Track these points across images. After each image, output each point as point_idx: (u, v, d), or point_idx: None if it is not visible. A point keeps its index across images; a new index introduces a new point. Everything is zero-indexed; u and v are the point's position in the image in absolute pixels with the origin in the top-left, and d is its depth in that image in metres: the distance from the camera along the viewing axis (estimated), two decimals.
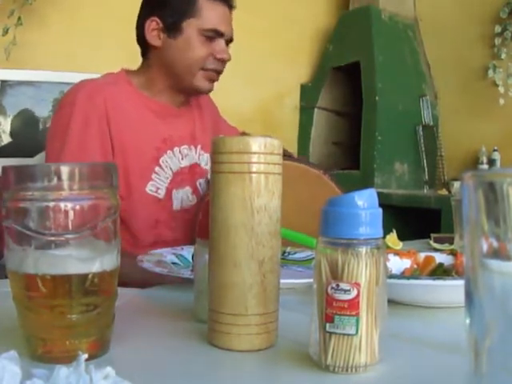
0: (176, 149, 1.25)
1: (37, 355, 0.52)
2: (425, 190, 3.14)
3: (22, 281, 0.52)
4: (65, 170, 0.50)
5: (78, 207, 0.50)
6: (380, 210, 0.50)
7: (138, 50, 1.30)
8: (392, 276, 0.75)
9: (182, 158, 1.26)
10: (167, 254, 0.93)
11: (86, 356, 0.43)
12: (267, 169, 0.55)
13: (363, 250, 0.48)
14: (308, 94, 3.54)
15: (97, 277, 0.52)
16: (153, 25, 1.22)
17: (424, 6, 3.35)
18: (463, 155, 3.13)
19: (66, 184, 0.50)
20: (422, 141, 3.20)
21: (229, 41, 1.25)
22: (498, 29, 2.95)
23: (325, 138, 3.53)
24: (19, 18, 2.49)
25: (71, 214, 0.50)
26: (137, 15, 1.27)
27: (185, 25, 1.20)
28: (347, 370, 0.49)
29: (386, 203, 2.36)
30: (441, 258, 0.88)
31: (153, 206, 1.20)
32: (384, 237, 0.51)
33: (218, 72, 1.25)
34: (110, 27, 2.72)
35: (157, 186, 1.20)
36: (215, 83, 1.28)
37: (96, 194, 0.52)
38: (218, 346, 0.56)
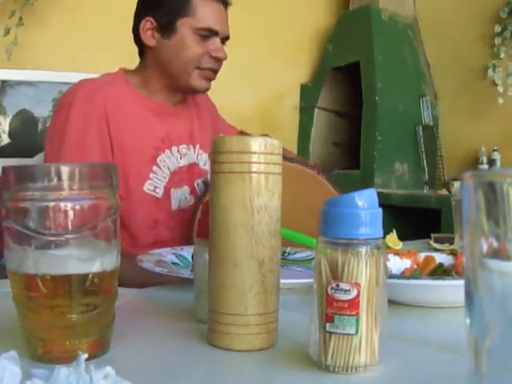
0: (174, 148, 1.25)
1: (37, 355, 0.52)
2: (425, 190, 3.14)
3: (22, 281, 0.52)
4: (65, 170, 0.50)
5: (77, 207, 0.50)
6: (380, 210, 0.50)
7: (137, 50, 1.30)
8: (392, 276, 0.75)
9: (181, 158, 1.26)
10: (167, 254, 0.93)
11: (85, 356, 0.43)
12: (267, 169, 0.55)
13: (363, 249, 0.48)
14: (308, 94, 3.54)
15: (97, 277, 0.52)
16: (147, 25, 1.21)
17: (424, 5, 3.35)
18: (463, 155, 3.13)
19: (66, 184, 0.50)
20: (422, 141, 3.20)
21: (225, 39, 1.25)
22: (497, 28, 2.95)
23: (325, 138, 3.53)
24: (20, 19, 2.49)
25: (71, 214, 0.50)
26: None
27: (179, 24, 1.20)
28: (347, 370, 0.49)
29: (386, 203, 2.36)
30: (441, 258, 0.88)
31: (151, 206, 1.20)
32: (384, 237, 0.51)
33: (215, 71, 1.24)
34: (110, 27, 2.72)
35: (154, 184, 1.20)
36: (213, 82, 1.27)
37: (96, 194, 0.52)
38: (218, 346, 0.56)
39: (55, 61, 2.65)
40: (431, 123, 3.24)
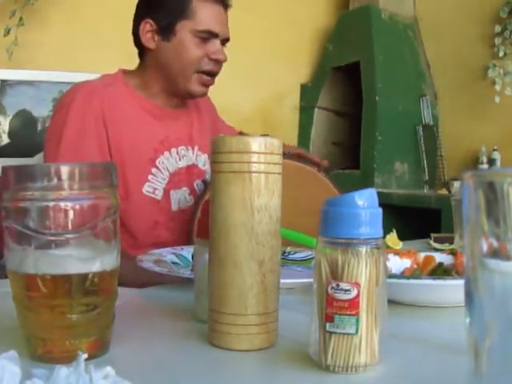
0: (173, 149, 1.24)
1: (37, 355, 0.52)
2: (425, 190, 3.14)
3: (22, 281, 0.52)
4: (65, 169, 0.50)
5: (77, 207, 0.50)
6: (380, 210, 0.50)
7: (137, 50, 1.30)
8: (392, 276, 0.75)
9: (180, 159, 1.25)
10: (167, 254, 0.93)
11: (85, 356, 0.43)
12: (267, 168, 0.55)
13: (363, 249, 0.48)
14: (308, 94, 3.54)
15: (97, 277, 0.52)
16: (147, 27, 1.21)
17: (424, 5, 3.35)
18: (463, 155, 3.13)
19: (65, 184, 0.50)
20: (421, 141, 3.20)
21: (225, 41, 1.24)
22: (497, 28, 2.95)
23: (325, 138, 3.53)
24: (21, 19, 2.49)
25: (71, 214, 0.50)
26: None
27: (178, 27, 1.19)
28: (347, 370, 0.49)
29: (386, 203, 2.35)
30: (441, 258, 0.88)
31: (151, 208, 1.20)
32: (384, 236, 0.51)
33: (214, 73, 1.24)
34: (110, 27, 2.72)
35: (154, 186, 1.20)
36: (215, 82, 1.27)
37: (96, 193, 0.52)
38: (218, 345, 0.56)
39: (55, 61, 2.65)
40: (431, 123, 3.24)
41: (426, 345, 0.59)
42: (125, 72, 1.27)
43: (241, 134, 1.48)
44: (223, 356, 0.54)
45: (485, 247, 0.30)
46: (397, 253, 0.89)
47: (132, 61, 1.29)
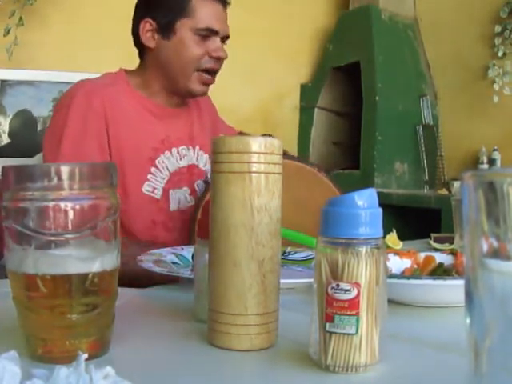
0: (174, 149, 1.24)
1: (37, 355, 0.52)
2: (425, 190, 3.14)
3: (22, 281, 0.52)
4: (65, 169, 0.50)
5: (77, 207, 0.50)
6: (380, 210, 0.50)
7: (137, 50, 1.30)
8: (392, 276, 0.75)
9: (180, 159, 1.25)
10: (167, 254, 0.93)
11: (85, 356, 0.43)
12: (267, 169, 0.55)
13: (363, 249, 0.48)
14: (308, 94, 3.54)
15: (97, 277, 0.52)
16: (147, 26, 1.21)
17: (424, 5, 3.35)
18: (463, 155, 3.13)
19: (65, 184, 0.50)
20: (422, 141, 3.20)
21: (225, 38, 1.24)
22: (497, 28, 2.95)
23: (325, 138, 3.53)
24: (20, 19, 2.49)
25: (71, 214, 0.50)
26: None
27: (178, 25, 1.19)
28: (347, 370, 0.49)
29: (386, 203, 2.35)
30: (441, 258, 0.88)
31: (150, 207, 1.20)
32: (384, 236, 0.51)
33: (215, 71, 1.24)
34: (110, 27, 2.72)
35: (153, 186, 1.20)
36: (213, 84, 1.27)
37: (96, 193, 0.52)
38: (218, 345, 0.56)
39: (55, 61, 2.65)
40: (431, 123, 3.24)
41: (426, 345, 0.59)
42: (126, 71, 1.27)
43: (241, 134, 1.48)
44: (223, 356, 0.54)
45: (485, 247, 0.30)
46: (397, 253, 0.89)
47: (132, 61, 1.29)
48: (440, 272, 0.85)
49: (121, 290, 0.57)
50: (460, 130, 3.16)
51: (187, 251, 0.94)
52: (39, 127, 2.54)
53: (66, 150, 1.12)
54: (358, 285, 0.48)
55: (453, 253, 0.90)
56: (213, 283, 0.56)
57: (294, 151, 3.28)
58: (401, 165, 3.17)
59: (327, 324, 0.48)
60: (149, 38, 1.22)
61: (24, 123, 2.52)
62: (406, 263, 0.87)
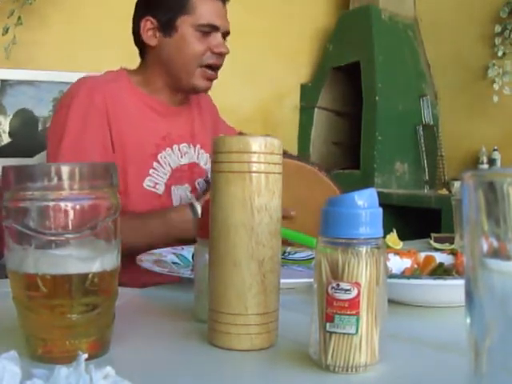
0: (175, 146, 1.25)
1: (37, 355, 0.52)
2: (425, 190, 3.14)
3: (22, 281, 0.52)
4: (65, 169, 0.50)
5: (78, 207, 0.50)
6: (380, 210, 0.50)
7: (137, 50, 1.30)
8: (392, 276, 0.75)
9: (182, 156, 1.26)
10: (167, 254, 0.93)
11: (85, 356, 0.43)
12: (267, 168, 0.55)
13: (363, 249, 0.48)
14: (308, 94, 3.54)
15: (97, 276, 0.52)
16: (148, 24, 1.22)
17: (424, 5, 3.35)
18: (463, 155, 3.13)
19: (66, 184, 0.50)
20: (422, 141, 3.20)
21: (225, 34, 1.25)
22: (497, 28, 2.95)
23: (325, 138, 3.53)
24: (19, 18, 2.49)
25: (71, 214, 0.50)
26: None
27: (179, 22, 1.20)
28: (347, 370, 0.49)
29: (386, 203, 2.35)
30: (441, 258, 0.88)
31: (152, 202, 1.20)
32: (384, 236, 0.51)
33: (217, 67, 1.25)
34: (110, 27, 2.72)
35: (155, 181, 1.21)
36: (214, 82, 1.27)
37: (96, 193, 0.52)
38: (218, 345, 0.56)
39: (55, 61, 2.65)
40: (431, 123, 3.24)
41: (426, 345, 0.59)
42: (127, 70, 1.28)
43: (241, 134, 1.48)
44: (223, 356, 0.54)
45: (485, 247, 0.30)
46: (397, 253, 0.89)
47: (132, 60, 1.30)
48: (440, 272, 0.85)
49: (121, 289, 0.57)
50: (460, 129, 3.16)
51: (187, 251, 0.94)
52: (40, 127, 2.54)
53: (67, 144, 1.13)
54: (358, 285, 0.48)
55: (453, 253, 0.90)
56: (213, 283, 0.56)
57: (294, 151, 3.28)
58: (401, 165, 3.17)
59: (327, 324, 0.48)
60: (150, 36, 1.22)
61: (25, 123, 2.52)
62: (406, 263, 0.87)
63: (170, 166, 1.23)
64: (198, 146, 1.31)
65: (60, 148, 1.12)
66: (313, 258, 0.85)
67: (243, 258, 0.54)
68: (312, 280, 0.51)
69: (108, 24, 2.74)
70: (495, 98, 2.91)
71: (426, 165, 3.19)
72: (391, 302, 0.58)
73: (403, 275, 0.81)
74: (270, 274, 0.55)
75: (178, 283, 0.85)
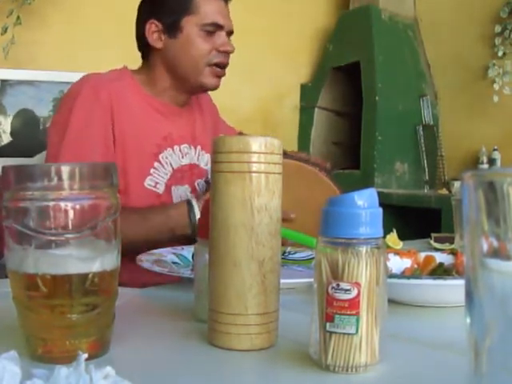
0: (176, 147, 1.26)
1: (37, 355, 0.52)
2: (425, 190, 3.14)
3: (22, 281, 0.52)
4: (65, 169, 0.50)
5: (78, 207, 0.50)
6: (380, 210, 0.50)
7: (137, 50, 1.30)
8: (392, 276, 0.75)
9: (183, 157, 1.27)
10: (167, 254, 0.93)
11: (85, 356, 0.43)
12: (267, 168, 0.55)
13: (363, 249, 0.48)
14: (308, 94, 3.54)
15: (97, 276, 0.52)
16: (152, 27, 1.23)
17: (424, 5, 3.35)
18: (463, 155, 3.13)
19: (66, 184, 0.50)
20: (422, 140, 3.20)
21: (229, 33, 1.26)
22: (497, 28, 2.95)
23: (325, 138, 3.53)
24: (18, 18, 2.49)
25: (71, 214, 0.50)
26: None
27: (184, 23, 1.21)
28: (347, 370, 0.49)
29: (386, 203, 2.35)
30: (441, 258, 0.88)
31: (152, 201, 1.21)
32: (384, 236, 0.51)
33: (224, 65, 1.26)
34: (110, 27, 2.72)
35: (155, 180, 1.21)
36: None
37: (96, 193, 0.52)
38: (218, 345, 0.56)
39: (55, 61, 2.65)
40: (431, 123, 3.23)
41: (426, 345, 0.59)
42: (131, 69, 1.29)
43: (240, 134, 1.48)
44: (223, 356, 0.54)
45: (485, 247, 0.30)
46: (397, 253, 0.89)
47: (131, 60, 1.30)
48: (440, 272, 0.85)
49: (121, 289, 0.57)
50: (460, 129, 3.16)
51: (187, 251, 0.94)
52: (40, 127, 2.54)
53: (69, 142, 1.13)
54: (358, 285, 0.48)
55: (453, 253, 0.90)
56: (213, 283, 0.56)
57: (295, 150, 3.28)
58: (401, 165, 3.17)
59: (327, 324, 0.48)
60: (155, 39, 1.23)
61: (26, 123, 2.52)
62: (406, 263, 0.87)
63: (171, 165, 1.24)
64: (199, 147, 1.31)
65: (61, 146, 1.12)
66: (313, 258, 0.85)
67: (243, 258, 0.54)
68: (312, 280, 0.51)
69: (108, 24, 2.74)
70: (495, 98, 2.91)
71: (426, 165, 3.19)
72: (391, 301, 0.58)
73: (403, 275, 0.81)
74: (270, 274, 0.55)
75: (178, 283, 0.85)
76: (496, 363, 0.30)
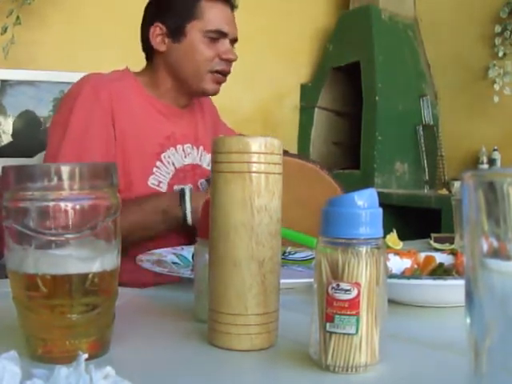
0: (179, 146, 1.26)
1: (37, 355, 0.52)
2: (425, 190, 3.14)
3: (22, 281, 0.52)
4: (65, 169, 0.50)
5: (78, 207, 0.50)
6: (380, 210, 0.50)
7: (137, 50, 1.30)
8: (392, 276, 0.75)
9: (185, 156, 1.27)
10: (167, 254, 0.93)
11: (86, 356, 0.43)
12: (267, 169, 0.55)
13: (363, 249, 0.48)
14: (308, 94, 3.54)
15: (97, 277, 0.52)
16: (157, 30, 1.23)
17: (424, 5, 3.35)
18: (463, 155, 3.13)
19: (66, 184, 0.50)
20: (422, 141, 3.20)
21: (233, 41, 1.26)
22: (497, 29, 2.95)
23: (325, 138, 3.53)
24: (18, 18, 2.49)
25: (71, 214, 0.50)
26: (137, 16, 1.28)
27: (188, 28, 1.21)
28: (347, 370, 0.49)
29: (386, 203, 2.35)
30: (441, 258, 0.88)
31: None
32: (384, 236, 0.51)
33: (226, 73, 1.26)
34: (110, 27, 2.72)
35: (158, 179, 1.22)
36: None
37: (96, 193, 0.52)
38: (218, 345, 0.56)
39: (55, 61, 2.65)
40: (431, 123, 3.23)
41: (426, 345, 0.59)
42: (133, 71, 1.29)
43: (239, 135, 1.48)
44: (223, 356, 0.54)
45: (485, 247, 0.30)
46: (397, 253, 0.89)
47: (132, 61, 1.30)
48: (440, 272, 0.85)
49: (121, 289, 0.57)
50: (460, 129, 3.16)
51: (187, 251, 0.94)
52: (41, 127, 2.54)
53: (69, 142, 1.13)
54: (358, 285, 0.48)
55: (453, 253, 0.90)
56: (213, 283, 0.56)
57: (294, 151, 3.28)
58: (401, 165, 3.17)
59: (327, 324, 0.48)
60: (159, 42, 1.23)
61: (27, 123, 2.52)
62: (406, 263, 0.87)
63: (173, 165, 1.24)
64: (201, 148, 1.32)
65: (61, 146, 1.12)
66: (313, 258, 0.85)
67: (243, 259, 0.54)
68: (312, 280, 0.51)
69: (108, 24, 2.74)
70: (496, 99, 2.91)
71: (426, 165, 3.19)
72: (391, 302, 0.58)
73: (403, 275, 0.81)
74: (270, 274, 0.55)
75: (177, 283, 0.85)
76: (496, 363, 0.30)
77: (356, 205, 0.48)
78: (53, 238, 0.50)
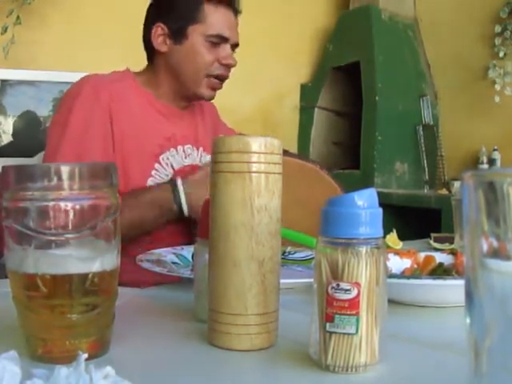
0: (180, 147, 1.26)
1: (37, 355, 0.52)
2: (425, 190, 3.14)
3: (22, 281, 0.52)
4: (65, 169, 0.50)
5: (77, 207, 0.50)
6: (380, 210, 0.50)
7: (138, 50, 1.30)
8: (392, 276, 0.75)
9: (186, 157, 1.27)
10: (167, 254, 0.93)
11: (85, 356, 0.43)
12: (267, 168, 0.55)
13: (363, 249, 0.48)
14: (308, 94, 3.54)
15: (97, 276, 0.52)
16: (158, 31, 1.23)
17: (424, 5, 3.35)
18: (463, 155, 3.13)
19: (66, 184, 0.50)
20: (422, 141, 3.20)
21: (234, 46, 1.26)
22: (497, 29, 2.95)
23: (325, 138, 3.53)
24: (18, 17, 2.49)
25: (71, 214, 0.50)
26: (137, 16, 1.28)
27: (190, 30, 1.21)
28: (347, 370, 0.49)
29: (386, 203, 2.35)
30: (441, 258, 0.88)
31: None
32: (384, 236, 0.51)
33: (224, 78, 1.26)
34: (110, 27, 2.72)
35: (157, 182, 1.21)
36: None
37: (96, 193, 0.52)
38: (218, 345, 0.56)
39: (55, 61, 2.65)
40: (431, 123, 3.23)
41: (426, 345, 0.59)
42: (134, 72, 1.29)
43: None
44: (223, 356, 0.54)
45: (485, 247, 0.30)
46: (397, 253, 0.89)
47: (132, 61, 1.30)
48: (440, 272, 0.85)
49: (121, 289, 0.57)
50: (460, 129, 3.16)
51: (187, 251, 0.94)
52: (41, 127, 2.54)
53: (70, 136, 1.13)
54: (358, 285, 0.48)
55: (453, 253, 0.90)
56: (213, 283, 0.56)
57: (294, 151, 3.28)
58: (401, 165, 3.17)
59: (327, 324, 0.48)
60: (160, 42, 1.23)
61: (28, 124, 2.52)
62: (406, 263, 0.87)
63: (172, 167, 1.23)
64: (201, 149, 1.32)
65: (60, 146, 1.12)
66: (313, 258, 0.85)
67: (243, 258, 0.54)
68: (312, 280, 0.51)
69: (108, 24, 2.74)
70: (496, 99, 2.91)
71: (425, 165, 3.19)
72: (391, 301, 0.58)
73: (403, 275, 0.81)
74: (270, 274, 0.55)
75: (178, 283, 0.85)
76: (496, 363, 0.30)
77: (356, 205, 0.48)
78: (53, 238, 0.50)
